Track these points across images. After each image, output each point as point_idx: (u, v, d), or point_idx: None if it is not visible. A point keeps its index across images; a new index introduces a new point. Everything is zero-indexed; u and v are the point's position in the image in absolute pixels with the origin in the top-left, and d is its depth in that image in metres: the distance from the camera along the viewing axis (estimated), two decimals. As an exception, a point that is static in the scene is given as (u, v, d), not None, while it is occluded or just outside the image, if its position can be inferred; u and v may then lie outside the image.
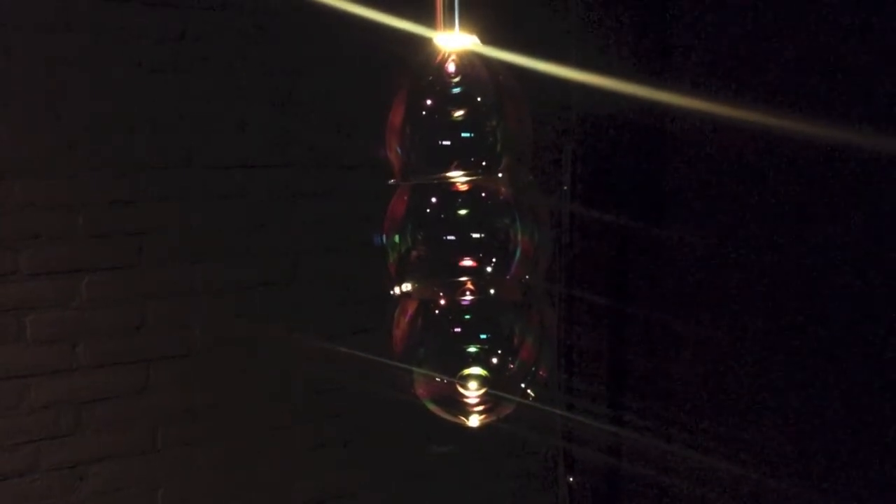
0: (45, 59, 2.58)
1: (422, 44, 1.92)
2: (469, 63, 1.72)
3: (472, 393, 1.64)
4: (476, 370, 1.63)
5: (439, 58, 1.77)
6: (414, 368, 1.66)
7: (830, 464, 2.53)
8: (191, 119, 2.79)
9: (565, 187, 2.96)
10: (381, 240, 1.73)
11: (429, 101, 1.73)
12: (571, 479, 3.06)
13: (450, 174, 1.64)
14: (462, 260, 1.65)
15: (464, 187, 1.64)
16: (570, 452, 3.09)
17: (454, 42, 1.79)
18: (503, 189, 1.67)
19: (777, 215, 2.64)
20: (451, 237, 1.67)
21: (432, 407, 1.70)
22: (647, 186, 2.97)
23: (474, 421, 1.69)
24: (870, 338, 2.43)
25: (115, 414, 2.74)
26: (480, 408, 1.67)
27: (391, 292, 1.71)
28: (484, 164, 1.65)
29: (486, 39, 1.89)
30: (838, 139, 2.45)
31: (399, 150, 1.71)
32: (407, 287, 1.70)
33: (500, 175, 1.66)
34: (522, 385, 1.67)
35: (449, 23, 1.83)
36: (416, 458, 3.18)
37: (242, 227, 2.91)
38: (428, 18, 1.92)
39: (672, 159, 2.90)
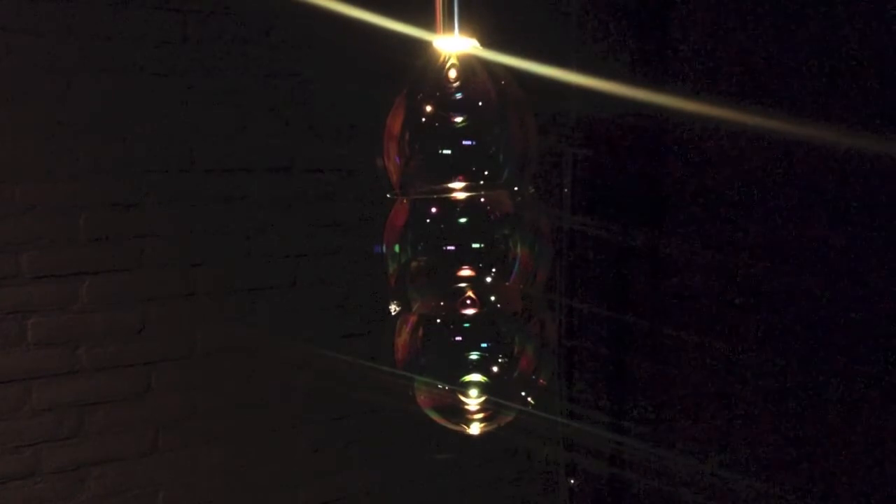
0: (46, 63, 2.58)
1: (422, 47, 1.92)
2: (471, 69, 1.71)
3: (473, 400, 1.64)
4: (476, 377, 1.63)
5: (439, 63, 1.76)
6: (416, 377, 1.66)
7: (831, 470, 2.54)
8: (192, 123, 2.80)
9: (566, 189, 2.96)
10: (381, 249, 1.73)
11: (428, 109, 1.71)
12: (573, 481, 3.06)
13: (450, 185, 1.62)
14: (461, 271, 1.64)
15: (464, 198, 1.63)
16: (571, 459, 3.10)
17: (454, 46, 1.77)
18: (505, 200, 1.66)
19: (776, 220, 2.64)
20: (451, 248, 1.66)
21: (434, 416, 1.70)
22: (647, 191, 2.98)
23: (475, 429, 1.69)
24: (870, 341, 2.43)
25: (117, 417, 2.75)
26: (481, 415, 1.67)
27: (389, 309, 1.71)
28: (486, 174, 1.64)
29: (486, 43, 1.89)
30: (837, 142, 2.45)
31: (397, 160, 1.70)
32: (397, 308, 1.70)
33: (501, 186, 1.65)
34: (522, 393, 1.67)
35: (448, 27, 1.82)
36: (417, 462, 3.19)
37: (243, 230, 2.91)
38: (428, 22, 1.92)
39: (671, 164, 2.90)
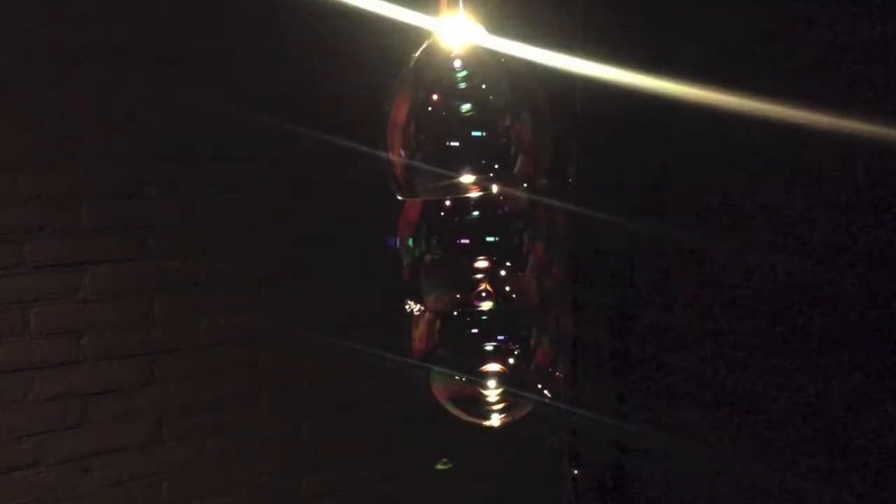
0: (47, 54, 2.57)
1: (426, 34, 1.91)
2: (481, 58, 1.69)
3: (490, 392, 1.64)
4: (492, 368, 1.63)
5: (447, 51, 1.74)
6: (433, 367, 1.65)
7: (833, 458, 2.55)
8: (195, 112, 2.78)
9: (570, 180, 2.96)
10: (395, 243, 1.72)
11: (436, 99, 1.68)
12: (576, 471, 3.07)
13: (459, 180, 1.60)
14: (476, 265, 1.63)
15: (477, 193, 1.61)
16: (575, 446, 3.11)
17: (459, 32, 1.75)
18: (519, 193, 1.65)
19: (780, 214, 2.64)
20: (465, 242, 1.65)
21: (451, 408, 1.70)
22: (652, 182, 2.97)
23: (494, 420, 1.69)
24: (872, 336, 2.44)
25: (121, 407, 2.74)
26: (498, 407, 1.67)
27: (406, 308, 1.70)
28: (497, 166, 1.62)
29: (490, 29, 1.88)
30: (843, 136, 2.44)
31: (402, 153, 1.66)
32: (417, 307, 1.69)
33: (514, 179, 1.63)
34: (539, 386, 1.67)
35: (453, 12, 1.80)
36: (421, 451, 3.19)
37: (247, 220, 2.90)
38: (432, 8, 1.91)
39: (677, 155, 2.90)
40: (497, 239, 1.65)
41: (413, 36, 2.01)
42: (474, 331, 1.65)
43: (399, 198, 1.70)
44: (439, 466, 3.01)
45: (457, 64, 1.71)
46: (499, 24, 1.93)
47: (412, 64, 1.78)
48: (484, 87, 1.68)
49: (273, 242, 2.95)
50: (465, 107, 1.67)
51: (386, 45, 2.44)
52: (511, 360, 1.64)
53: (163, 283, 2.79)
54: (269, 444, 2.99)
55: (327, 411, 3.08)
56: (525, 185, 1.64)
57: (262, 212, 2.92)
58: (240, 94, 2.84)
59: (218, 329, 2.87)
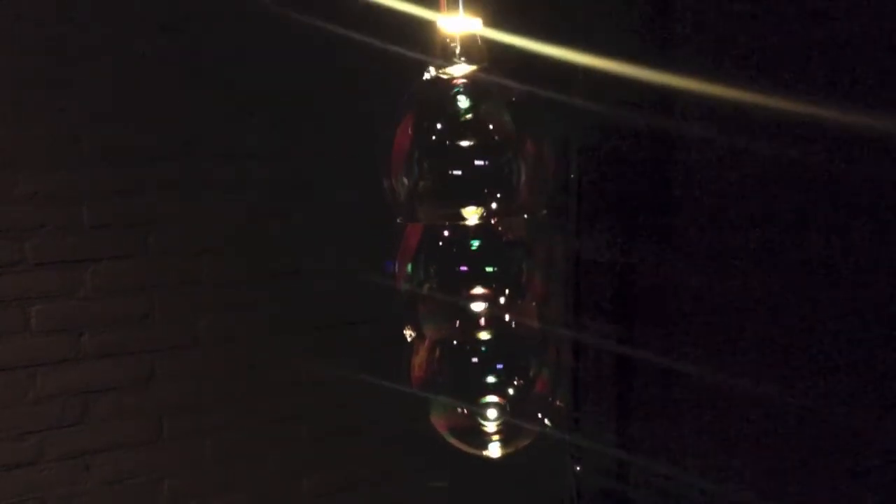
0: (48, 51, 2.55)
1: (426, 34, 1.89)
2: (484, 90, 1.67)
3: (490, 422, 1.63)
4: (492, 398, 1.63)
5: (450, 79, 1.72)
6: (432, 397, 1.65)
7: (840, 486, 2.53)
8: (196, 109, 2.77)
9: (572, 198, 2.92)
10: (393, 268, 1.71)
11: (439, 132, 1.66)
12: (576, 482, 3.07)
13: (460, 211, 1.58)
14: (474, 295, 1.62)
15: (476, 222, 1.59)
16: (576, 471, 3.09)
17: (458, 26, 1.74)
18: (519, 224, 1.64)
19: (787, 243, 2.60)
20: (464, 271, 1.64)
21: (451, 439, 1.69)
22: (654, 210, 2.93)
23: (494, 451, 1.68)
24: (871, 346, 2.43)
25: (121, 404, 2.75)
26: (498, 437, 1.66)
27: (405, 333, 1.70)
28: (499, 197, 1.60)
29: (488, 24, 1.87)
30: (840, 145, 2.42)
31: (405, 180, 1.65)
32: (412, 334, 1.68)
33: (515, 211, 1.61)
34: (539, 415, 1.67)
35: (453, 6, 1.79)
36: (421, 451, 3.19)
37: (248, 217, 2.89)
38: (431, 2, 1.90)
39: (678, 184, 2.85)
40: (496, 268, 1.64)
41: (413, 37, 2.00)
42: (473, 360, 1.64)
43: (398, 220, 1.70)
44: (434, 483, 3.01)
45: (460, 94, 1.70)
46: (496, 24, 1.92)
47: (414, 90, 1.75)
48: (487, 117, 1.67)
49: (273, 242, 2.94)
50: (467, 139, 1.66)
51: (386, 44, 2.42)
52: (510, 390, 1.64)
53: (163, 280, 2.79)
54: (269, 444, 3.00)
55: (327, 411, 3.08)
56: (525, 215, 1.63)
57: (262, 211, 2.91)
58: (240, 94, 2.82)
59: (218, 328, 2.87)
